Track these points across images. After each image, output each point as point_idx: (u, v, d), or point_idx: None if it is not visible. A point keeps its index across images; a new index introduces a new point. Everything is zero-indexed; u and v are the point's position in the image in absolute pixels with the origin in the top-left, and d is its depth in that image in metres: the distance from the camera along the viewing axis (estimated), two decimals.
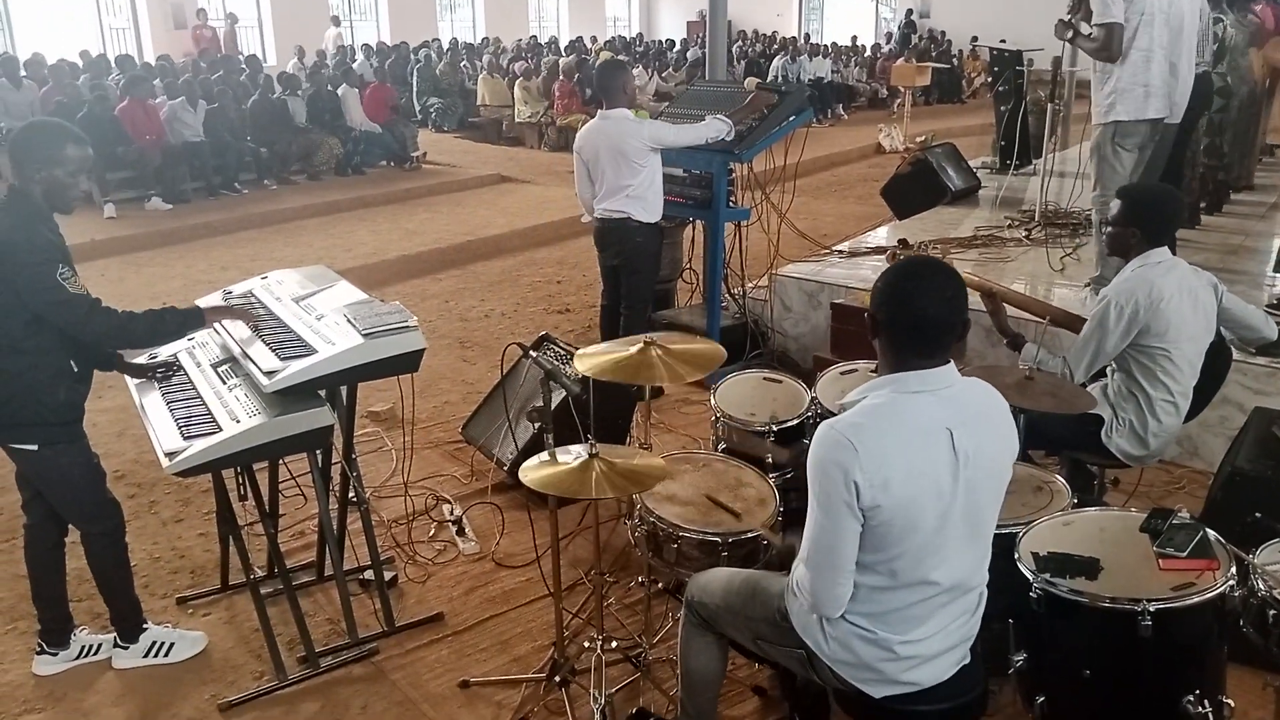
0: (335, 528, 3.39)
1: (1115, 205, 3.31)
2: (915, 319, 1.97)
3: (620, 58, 14.55)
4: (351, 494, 3.35)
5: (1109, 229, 3.33)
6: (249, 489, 3.06)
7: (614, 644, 3.01)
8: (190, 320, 3.01)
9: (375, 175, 12.00)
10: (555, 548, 2.85)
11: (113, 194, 9.66)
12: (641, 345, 2.73)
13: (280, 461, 3.41)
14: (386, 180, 11.74)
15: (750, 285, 5.82)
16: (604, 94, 4.78)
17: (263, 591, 3.20)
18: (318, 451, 3.10)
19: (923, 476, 1.93)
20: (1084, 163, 5.63)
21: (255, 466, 3.08)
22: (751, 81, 5.38)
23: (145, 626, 3.20)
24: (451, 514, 4.11)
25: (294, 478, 3.50)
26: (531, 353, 2.72)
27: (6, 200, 2.75)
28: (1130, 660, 2.16)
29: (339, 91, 12.40)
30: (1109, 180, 4.87)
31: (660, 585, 3.16)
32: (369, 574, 3.45)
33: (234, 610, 3.49)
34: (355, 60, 16.24)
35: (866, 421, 1.95)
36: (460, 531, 3.98)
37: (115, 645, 3.18)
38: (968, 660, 2.13)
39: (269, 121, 11.41)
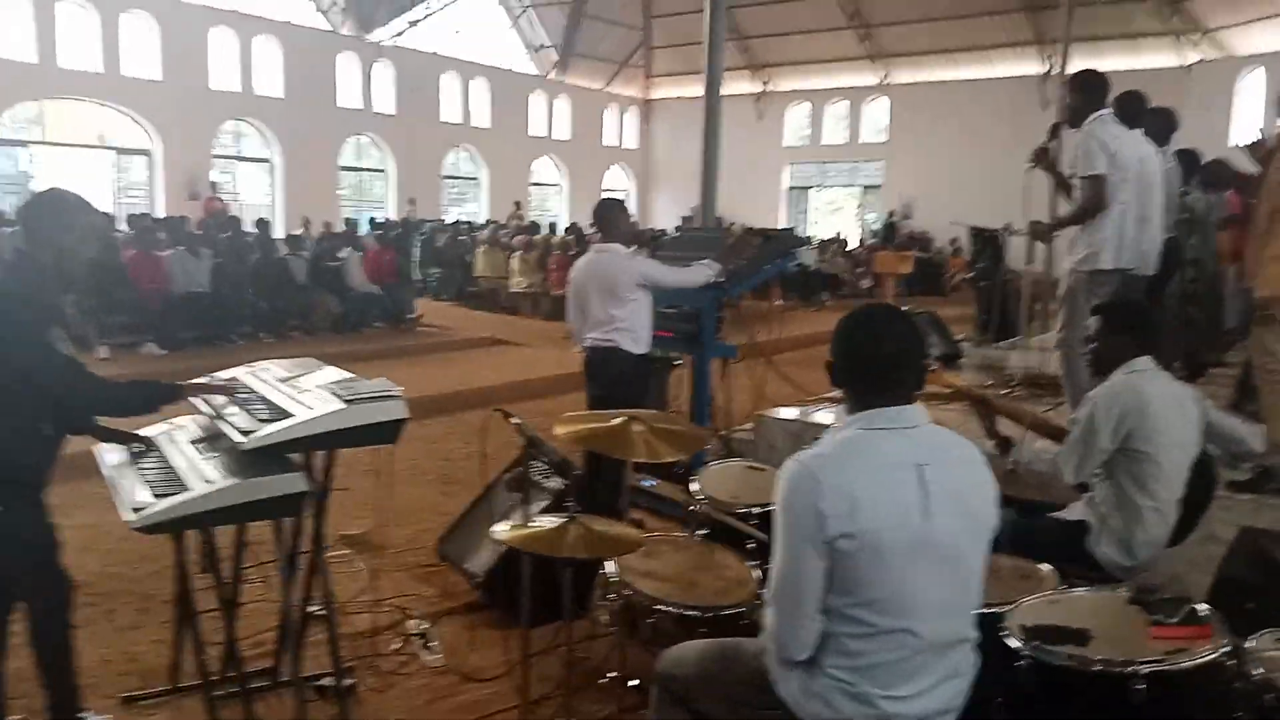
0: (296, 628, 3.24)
1: (1095, 321, 3.36)
2: (871, 359, 2.03)
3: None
4: (315, 602, 3.21)
5: (1094, 345, 3.35)
6: (209, 564, 2.95)
7: None
8: (168, 394, 3.02)
9: (371, 334, 12.20)
10: (525, 643, 2.72)
11: (109, 337, 9.78)
12: (623, 420, 2.71)
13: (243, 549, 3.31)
14: (381, 337, 11.92)
15: (734, 427, 5.84)
16: (601, 226, 4.94)
17: (214, 694, 3.02)
18: (286, 528, 3.01)
19: (889, 508, 1.91)
20: None
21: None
22: (739, 226, 5.60)
23: (83, 715, 3.00)
24: (418, 628, 3.95)
25: (257, 564, 3.37)
26: (514, 419, 2.69)
27: (13, 262, 2.82)
28: None
29: (342, 254, 12.79)
30: (1075, 324, 5.00)
31: (631, 684, 3.00)
32: (327, 680, 3.28)
33: (182, 711, 3.30)
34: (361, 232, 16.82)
35: (831, 453, 1.97)
36: (426, 646, 3.82)
37: None
38: None
39: (271, 277, 11.69)
